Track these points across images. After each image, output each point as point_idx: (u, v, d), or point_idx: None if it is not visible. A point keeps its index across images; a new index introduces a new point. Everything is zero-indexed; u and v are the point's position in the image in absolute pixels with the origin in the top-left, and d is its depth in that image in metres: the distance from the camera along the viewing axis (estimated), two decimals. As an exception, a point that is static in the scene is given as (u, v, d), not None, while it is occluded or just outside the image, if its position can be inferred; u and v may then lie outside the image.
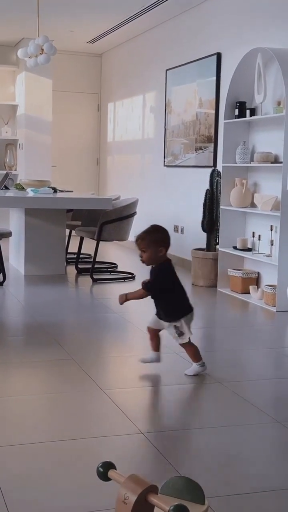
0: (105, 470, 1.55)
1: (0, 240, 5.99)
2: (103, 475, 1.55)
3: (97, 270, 6.45)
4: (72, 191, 7.20)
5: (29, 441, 2.68)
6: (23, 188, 6.62)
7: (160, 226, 3.48)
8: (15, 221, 6.84)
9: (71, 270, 6.67)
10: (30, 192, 6.27)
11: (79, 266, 6.74)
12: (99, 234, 6.30)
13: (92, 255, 6.46)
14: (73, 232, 7.04)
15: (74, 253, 6.93)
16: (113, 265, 6.97)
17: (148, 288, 3.36)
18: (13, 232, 6.62)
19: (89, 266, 6.46)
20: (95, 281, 6.20)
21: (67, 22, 7.77)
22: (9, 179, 7.29)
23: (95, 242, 6.37)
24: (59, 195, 6.48)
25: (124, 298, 3.42)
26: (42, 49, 6.55)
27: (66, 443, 2.66)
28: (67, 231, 6.84)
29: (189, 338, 3.40)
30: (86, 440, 2.69)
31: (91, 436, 2.74)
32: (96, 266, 6.41)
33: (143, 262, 3.36)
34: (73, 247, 7.05)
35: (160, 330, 3.49)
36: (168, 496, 1.54)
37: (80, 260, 6.89)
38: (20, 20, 7.68)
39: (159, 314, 3.44)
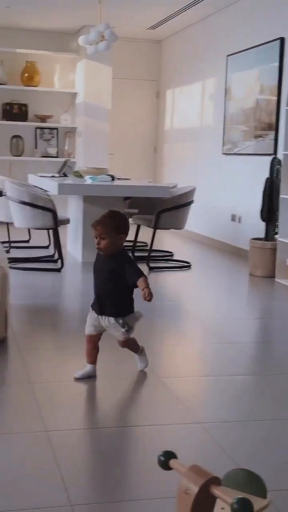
0: (166, 459, 1.53)
1: (58, 227, 6.05)
2: (164, 464, 1.53)
3: (153, 258, 6.44)
4: (129, 179, 7.19)
5: (88, 426, 2.69)
6: (81, 175, 6.65)
7: (120, 212, 3.17)
8: (73, 209, 6.88)
9: (128, 257, 6.67)
10: (88, 180, 6.29)
11: (135, 254, 6.74)
12: (156, 222, 6.29)
13: (149, 243, 6.45)
14: (130, 220, 7.05)
15: (130, 241, 6.91)
16: (170, 254, 6.95)
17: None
18: (71, 219, 6.68)
19: (145, 254, 6.47)
20: (151, 269, 6.19)
21: (128, 8, 7.73)
22: (68, 167, 7.34)
23: (152, 230, 6.36)
24: (116, 182, 6.48)
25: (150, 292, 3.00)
26: (103, 36, 6.54)
27: (124, 429, 2.67)
28: (124, 218, 6.83)
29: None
30: (144, 428, 2.69)
31: (149, 423, 2.74)
32: (152, 254, 6.40)
33: (100, 250, 3.04)
34: (129, 235, 7.04)
35: (101, 335, 3.15)
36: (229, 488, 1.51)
37: (136, 248, 6.89)
38: (81, 8, 7.68)
39: (102, 311, 3.07)
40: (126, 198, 6.77)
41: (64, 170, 7.13)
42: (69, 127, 9.47)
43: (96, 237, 2.98)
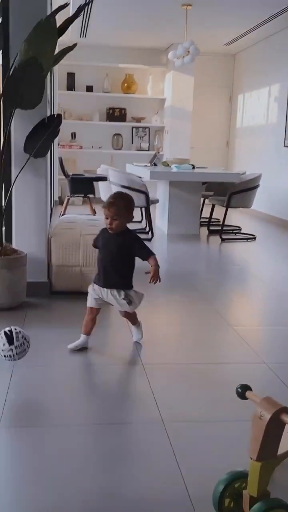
0: (243, 390, 1.49)
1: (149, 206, 6.05)
2: (241, 395, 1.49)
3: (225, 232, 6.32)
4: (206, 168, 7.06)
5: (170, 361, 2.67)
6: (168, 165, 6.59)
7: (129, 195, 2.79)
8: (161, 191, 6.84)
9: (203, 231, 6.60)
10: (174, 168, 6.26)
11: (210, 228, 6.67)
12: (228, 202, 6.19)
13: (221, 219, 6.35)
14: (206, 201, 6.99)
15: (206, 218, 6.86)
16: (238, 228, 6.79)
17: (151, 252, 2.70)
18: (160, 200, 6.65)
19: (218, 228, 6.37)
20: (223, 240, 6.09)
21: (209, 28, 7.50)
22: (157, 158, 7.30)
23: (224, 209, 6.26)
24: (196, 170, 6.39)
25: (158, 275, 2.68)
26: (188, 51, 6.41)
27: (198, 366, 2.64)
28: (202, 199, 6.78)
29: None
30: (215, 365, 2.65)
31: (220, 362, 2.70)
32: (224, 228, 6.30)
33: (111, 229, 2.62)
34: (205, 213, 6.97)
35: (100, 308, 2.78)
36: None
37: (211, 223, 6.80)
38: (170, 29, 7.53)
39: (107, 284, 2.68)
40: (204, 183, 6.68)
41: (154, 161, 7.08)
42: (158, 126, 9.39)
43: (107, 218, 2.59)
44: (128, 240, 2.66)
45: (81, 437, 1.96)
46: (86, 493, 1.63)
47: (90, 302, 2.73)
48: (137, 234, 2.79)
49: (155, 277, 2.64)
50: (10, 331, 2.37)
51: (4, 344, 2.33)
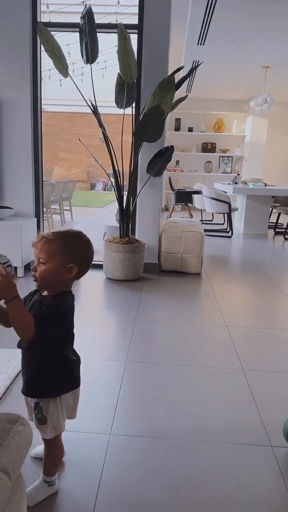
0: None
1: (231, 213, 5.83)
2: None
3: (287, 233, 5.92)
4: (275, 185, 6.64)
5: (242, 324, 2.53)
6: (246, 183, 6.29)
7: (84, 236, 1.10)
8: (240, 202, 6.55)
9: (270, 232, 6.23)
10: (250, 185, 5.95)
11: (276, 230, 6.28)
12: (290, 211, 5.77)
13: (285, 224, 5.96)
14: (274, 210, 6.60)
15: (273, 222, 6.46)
16: (297, 231, 6.34)
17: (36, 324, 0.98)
18: (239, 208, 6.37)
19: (282, 230, 5.99)
20: (286, 239, 5.70)
21: (282, 82, 7.00)
22: (237, 178, 7.01)
23: (287, 216, 5.85)
24: (267, 187, 6.03)
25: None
26: (266, 100, 6.03)
27: (266, 330, 2.47)
28: (270, 209, 6.40)
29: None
30: (280, 331, 2.46)
31: (282, 328, 2.50)
32: (286, 230, 5.89)
33: (35, 280, 1.05)
34: (272, 219, 6.58)
35: None
36: None
37: (276, 227, 6.40)
38: (252, 85, 7.13)
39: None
40: (272, 197, 6.29)
41: (235, 180, 6.79)
42: (239, 155, 8.99)
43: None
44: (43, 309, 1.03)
45: (179, 373, 1.91)
46: (186, 415, 1.58)
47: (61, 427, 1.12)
48: (60, 302, 1.06)
49: None
50: None
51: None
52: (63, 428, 1.12)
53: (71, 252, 1.05)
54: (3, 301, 0.96)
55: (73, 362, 1.12)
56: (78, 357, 1.15)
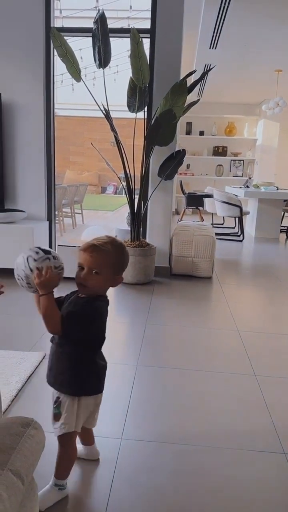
0: None
1: (242, 216, 5.79)
2: None
3: (299, 237, 5.87)
4: (287, 189, 6.58)
5: (254, 329, 2.50)
6: (258, 187, 6.24)
7: (125, 247, 1.11)
8: (252, 205, 6.50)
9: (282, 236, 6.18)
10: (262, 189, 5.92)
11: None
12: (303, 215, 5.70)
13: (297, 228, 5.90)
14: (286, 214, 6.54)
15: (284, 226, 6.40)
16: (309, 235, 6.27)
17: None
18: (250, 212, 6.33)
19: (294, 234, 5.92)
20: (297, 243, 5.66)
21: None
22: (249, 182, 6.96)
23: (300, 220, 5.79)
24: (279, 191, 5.98)
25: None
26: (278, 104, 5.99)
27: (278, 335, 2.43)
28: (282, 212, 6.33)
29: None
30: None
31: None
32: (298, 234, 5.85)
33: (83, 286, 1.06)
34: (284, 223, 6.51)
35: None
36: None
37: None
38: (264, 88, 7.09)
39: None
40: (285, 200, 6.23)
41: (247, 184, 6.75)
42: (250, 159, 8.95)
43: (82, 268, 1.07)
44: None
45: (190, 378, 1.90)
46: (196, 420, 1.57)
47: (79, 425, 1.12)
48: (97, 308, 1.08)
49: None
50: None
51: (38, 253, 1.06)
52: (74, 428, 1.10)
53: (120, 264, 1.09)
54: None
55: (100, 366, 1.12)
56: (105, 363, 1.15)
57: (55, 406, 1.10)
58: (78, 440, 1.26)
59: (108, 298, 1.11)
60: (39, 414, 1.17)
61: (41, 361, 1.91)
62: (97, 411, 1.18)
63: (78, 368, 1.09)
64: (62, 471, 1.14)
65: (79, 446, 1.28)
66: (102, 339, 1.10)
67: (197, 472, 1.29)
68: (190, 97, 4.09)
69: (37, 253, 1.05)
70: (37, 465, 0.78)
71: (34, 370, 1.83)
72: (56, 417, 1.09)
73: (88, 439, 1.29)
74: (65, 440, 1.11)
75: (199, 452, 1.38)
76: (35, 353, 1.96)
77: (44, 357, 1.95)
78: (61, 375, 1.09)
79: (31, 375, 1.79)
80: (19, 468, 0.69)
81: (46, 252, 1.06)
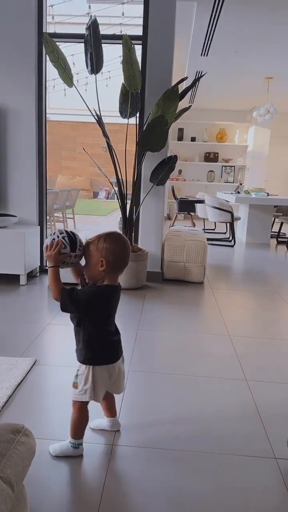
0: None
1: (233, 222, 5.83)
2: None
3: (289, 243, 5.93)
4: (277, 195, 6.66)
5: (245, 334, 2.51)
6: (249, 192, 6.30)
7: (115, 234, 1.27)
8: (242, 211, 6.56)
9: (273, 241, 6.24)
10: (253, 195, 5.97)
11: (278, 239, 6.28)
12: (293, 221, 5.77)
13: (287, 233, 5.95)
14: (276, 219, 6.62)
15: (275, 232, 6.47)
16: (300, 240, 6.34)
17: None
18: (241, 217, 6.38)
19: (285, 240, 5.99)
20: (288, 248, 5.72)
21: (284, 93, 7.06)
22: (240, 188, 7.03)
23: (290, 226, 5.85)
24: (269, 197, 6.04)
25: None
26: (268, 111, 6.07)
27: (269, 340, 2.45)
28: (273, 218, 6.41)
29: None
30: (280, 341, 2.44)
31: (282, 338, 2.48)
32: (289, 240, 5.91)
33: (85, 277, 1.30)
34: (275, 228, 6.57)
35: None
36: None
37: (279, 236, 6.40)
38: (254, 95, 7.19)
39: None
40: (275, 206, 6.30)
41: (238, 190, 6.82)
42: (241, 165, 9.04)
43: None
44: None
45: (181, 383, 1.90)
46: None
47: (99, 396, 1.30)
48: (90, 289, 1.27)
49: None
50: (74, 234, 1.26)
51: (65, 247, 1.22)
52: (88, 399, 1.28)
53: (101, 248, 1.25)
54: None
55: (111, 342, 1.32)
56: (117, 336, 1.34)
57: (75, 376, 1.30)
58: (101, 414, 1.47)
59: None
60: (29, 421, 1.16)
61: (31, 367, 1.90)
62: (121, 379, 1.35)
63: (85, 341, 1.28)
64: (73, 431, 1.34)
65: (103, 420, 1.48)
66: (102, 317, 1.28)
67: (188, 477, 1.28)
68: (182, 104, 4.13)
69: (61, 233, 1.26)
70: (27, 472, 0.78)
71: (25, 376, 1.81)
72: (74, 385, 1.30)
73: (111, 411, 1.47)
74: (77, 406, 1.31)
75: (189, 457, 1.38)
76: (26, 359, 1.94)
77: (34, 363, 1.94)
78: (77, 347, 1.31)
79: (21, 381, 1.77)
80: (9, 475, 0.69)
81: (65, 237, 1.26)
